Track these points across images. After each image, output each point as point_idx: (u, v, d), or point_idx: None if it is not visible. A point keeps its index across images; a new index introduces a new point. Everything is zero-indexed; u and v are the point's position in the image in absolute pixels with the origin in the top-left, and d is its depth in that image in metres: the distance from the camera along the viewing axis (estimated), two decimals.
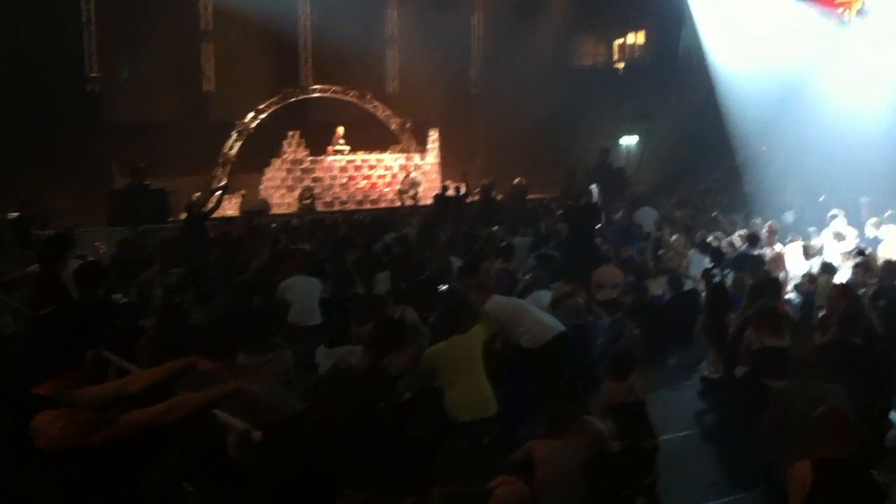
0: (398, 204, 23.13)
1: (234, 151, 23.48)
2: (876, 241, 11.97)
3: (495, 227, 14.95)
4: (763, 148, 21.26)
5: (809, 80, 19.92)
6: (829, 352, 6.36)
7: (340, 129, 24.20)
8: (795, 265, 10.93)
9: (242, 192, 22.59)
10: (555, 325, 7.51)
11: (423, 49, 24.92)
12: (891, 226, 12.70)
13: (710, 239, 12.12)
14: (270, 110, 23.92)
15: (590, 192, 15.65)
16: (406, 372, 6.71)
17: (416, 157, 24.83)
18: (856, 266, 9.66)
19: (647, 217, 15.80)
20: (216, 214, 15.13)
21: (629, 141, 27.94)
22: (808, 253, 11.04)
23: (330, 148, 24.12)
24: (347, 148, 24.29)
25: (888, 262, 9.36)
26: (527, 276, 10.48)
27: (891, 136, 16.96)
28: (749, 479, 6.19)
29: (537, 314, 7.64)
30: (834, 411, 4.48)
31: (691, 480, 6.26)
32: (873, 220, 13.02)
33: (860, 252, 10.05)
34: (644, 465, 5.65)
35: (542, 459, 4.93)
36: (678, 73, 25.87)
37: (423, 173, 24.76)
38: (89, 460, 3.09)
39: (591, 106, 27.04)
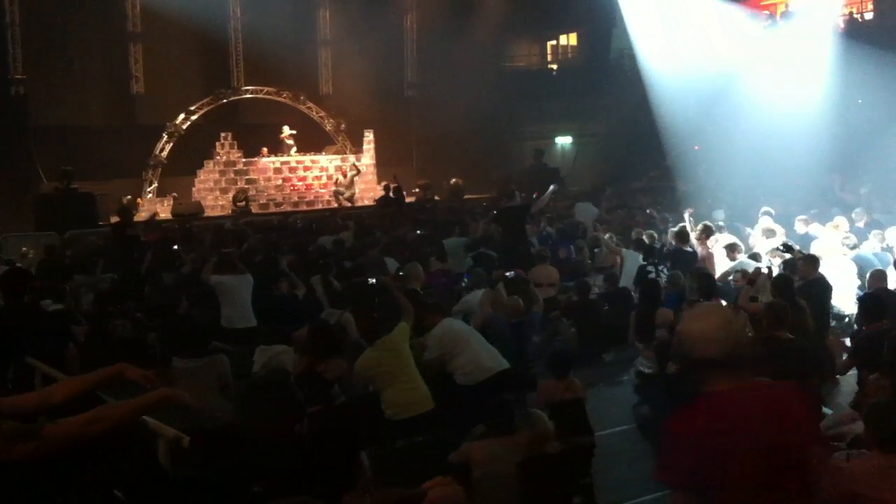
0: (334, 205, 23.03)
1: (164, 154, 23.08)
2: (807, 238, 12.22)
3: (430, 228, 14.96)
4: (696, 147, 21.72)
5: (738, 80, 20.40)
6: (761, 347, 6.46)
7: (287, 129, 24.02)
8: (724, 262, 11.12)
9: (174, 194, 22.24)
10: (494, 364, 7.19)
11: (356, 51, 24.86)
12: (817, 224, 13.02)
13: (643, 237, 12.26)
14: (202, 112, 23.58)
15: (515, 193, 15.75)
16: (341, 377, 6.65)
17: (352, 158, 24.73)
18: (784, 263, 9.87)
19: (586, 214, 16.02)
20: (144, 218, 14.84)
21: (564, 141, 28.26)
22: (735, 250, 11.24)
23: (264, 149, 23.90)
24: (293, 146, 24.18)
25: (807, 258, 9.57)
26: (466, 277, 10.51)
27: (814, 133, 17.45)
28: None
29: (477, 349, 7.27)
30: None
31: (628, 476, 6.30)
32: (802, 217, 13.33)
33: (788, 248, 10.24)
34: (581, 464, 5.67)
35: (478, 460, 4.91)
36: (611, 74, 26.25)
37: (360, 174, 24.66)
38: (13, 473, 2.98)
39: (525, 107, 27.30)
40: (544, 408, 5.94)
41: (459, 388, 7.05)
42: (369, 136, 25.54)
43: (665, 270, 10.71)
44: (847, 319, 9.96)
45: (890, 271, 9.93)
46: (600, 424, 6.78)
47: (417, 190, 23.85)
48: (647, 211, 16.24)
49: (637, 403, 7.92)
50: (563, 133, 28.13)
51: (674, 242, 12.03)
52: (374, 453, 5.33)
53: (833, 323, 9.85)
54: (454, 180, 24.39)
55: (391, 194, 20.77)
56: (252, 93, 24.58)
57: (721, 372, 2.83)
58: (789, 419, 2.81)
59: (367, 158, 25.41)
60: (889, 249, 11.63)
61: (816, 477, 2.85)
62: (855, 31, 21.05)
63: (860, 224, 13.68)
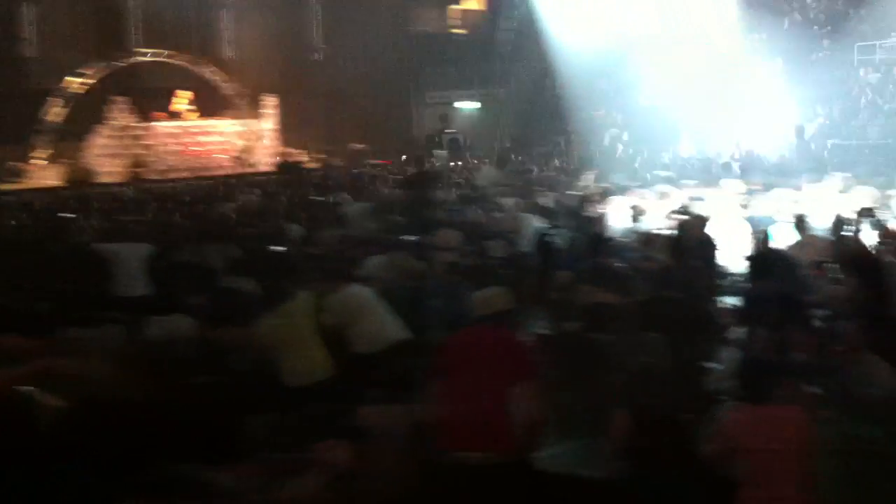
0: (234, 171, 22.57)
1: (56, 118, 22.22)
2: (701, 200, 12.54)
3: (335, 194, 14.83)
4: (599, 112, 22.00)
5: (642, 44, 20.71)
6: (650, 306, 6.65)
7: (180, 98, 23.37)
8: (624, 224, 11.37)
9: (66, 160, 21.47)
10: (395, 333, 7.11)
11: (259, 14, 24.36)
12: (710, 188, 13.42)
13: (544, 201, 12.40)
14: (96, 75, 22.76)
15: (423, 159, 15.76)
16: (240, 345, 6.57)
17: (254, 124, 24.25)
18: (678, 224, 10.12)
19: (489, 179, 16.09)
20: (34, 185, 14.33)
21: (468, 106, 28.28)
22: (636, 212, 11.48)
23: (161, 114, 23.24)
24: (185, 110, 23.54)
25: (698, 218, 9.85)
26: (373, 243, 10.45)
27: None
28: (581, 427, 6.41)
29: (379, 317, 7.18)
30: (649, 365, 4.74)
31: None
32: (696, 180, 13.71)
33: (683, 210, 10.52)
34: None
35: (373, 425, 4.92)
36: (515, 39, 26.34)
37: (260, 140, 24.21)
38: None
39: (429, 71, 27.19)
40: None
41: (360, 356, 7.03)
42: (270, 101, 25.07)
43: (565, 234, 10.85)
44: (736, 278, 10.29)
45: (778, 231, 10.27)
46: None
47: (321, 155, 23.61)
48: (549, 175, 16.42)
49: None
50: (468, 98, 28.15)
51: (574, 206, 12.20)
52: (271, 421, 5.31)
53: (722, 281, 10.18)
54: (357, 145, 24.22)
55: (287, 162, 20.51)
56: (151, 56, 23.83)
57: None
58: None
59: (268, 124, 24.96)
60: (779, 211, 12.06)
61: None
62: None
63: (754, 186, 14.15)
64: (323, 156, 23.44)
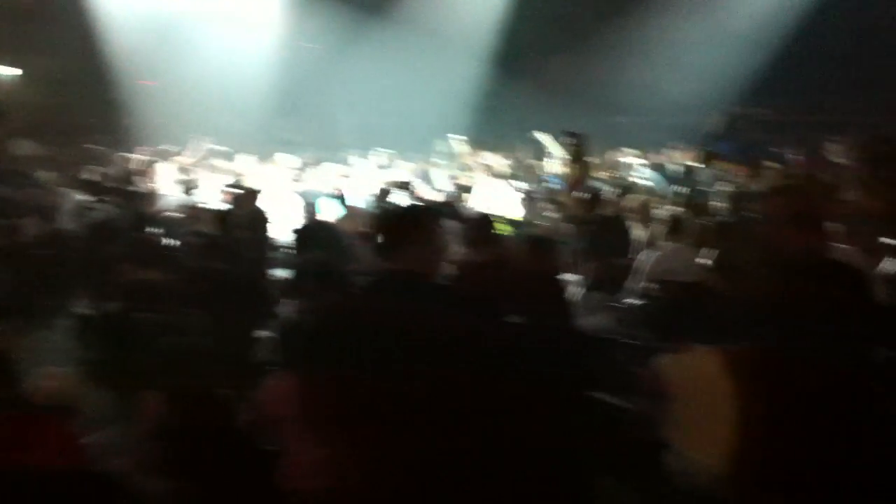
0: None
1: None
2: (250, 174, 12.58)
3: None
4: (151, 83, 21.11)
5: (193, 20, 20.21)
6: (195, 282, 6.49)
7: None
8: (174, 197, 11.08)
9: None
10: None
11: None
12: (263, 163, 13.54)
13: (87, 174, 11.61)
14: None
15: None
16: None
17: None
18: (227, 196, 10.07)
19: (24, 149, 14.73)
20: None
21: (4, 73, 25.52)
22: (188, 185, 11.25)
23: None
24: None
25: (248, 191, 9.92)
26: None
27: (262, 75, 18.07)
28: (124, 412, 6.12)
29: None
30: (176, 344, 4.60)
31: None
32: (247, 154, 13.73)
33: (237, 184, 10.47)
34: None
35: None
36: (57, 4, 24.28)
37: None
38: None
39: None
40: None
41: None
42: None
43: (110, 209, 10.25)
44: (288, 251, 10.51)
45: (327, 204, 10.64)
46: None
47: None
48: (95, 148, 15.45)
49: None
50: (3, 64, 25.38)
51: (120, 179, 11.60)
52: None
53: (274, 254, 10.34)
54: None
55: None
56: None
57: None
58: None
59: None
60: (328, 185, 12.53)
61: None
62: None
63: (313, 162, 14.57)
64: None
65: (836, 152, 6.78)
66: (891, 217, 5.43)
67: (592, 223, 7.97)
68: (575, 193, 9.52)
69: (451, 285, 3.60)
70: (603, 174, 11.86)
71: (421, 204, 9.33)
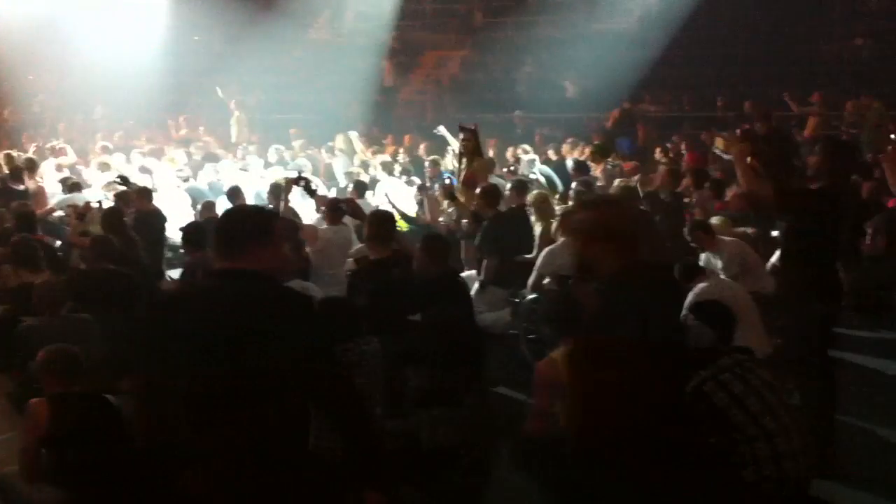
0: None
1: None
2: (143, 171, 12.18)
3: None
4: (29, 77, 20.30)
5: (76, 12, 19.50)
6: (83, 283, 6.27)
7: None
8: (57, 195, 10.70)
9: None
10: None
11: None
12: (153, 159, 13.17)
13: None
14: None
15: None
16: None
17: None
18: (117, 195, 9.74)
19: None
20: None
21: None
22: (69, 184, 10.85)
23: None
24: None
25: (141, 190, 9.67)
26: None
27: (150, 71, 17.57)
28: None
29: None
30: (60, 349, 4.44)
31: None
32: (140, 150, 13.37)
33: (124, 181, 10.14)
34: None
35: None
36: None
37: None
38: None
39: None
40: None
41: None
42: None
43: None
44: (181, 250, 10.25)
45: (221, 201, 10.42)
46: None
47: None
48: None
49: None
50: None
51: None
52: None
53: (169, 254, 10.07)
54: None
55: None
56: None
57: None
58: None
59: None
60: (221, 181, 12.26)
61: None
62: None
63: (197, 157, 14.24)
64: None
65: (721, 146, 7.02)
66: (769, 208, 5.70)
67: (491, 219, 8.00)
68: (470, 189, 9.57)
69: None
70: (499, 170, 11.93)
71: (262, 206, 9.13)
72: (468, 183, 9.77)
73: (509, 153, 13.81)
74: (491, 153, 13.00)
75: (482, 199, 8.44)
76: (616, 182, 9.93)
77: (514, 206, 8.60)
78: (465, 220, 8.73)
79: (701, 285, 5.98)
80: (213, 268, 3.12)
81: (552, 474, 3.90)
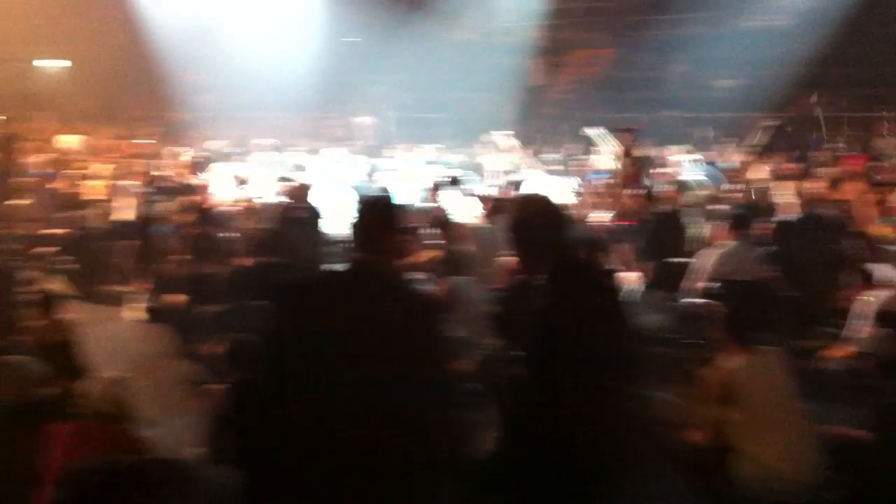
0: None
1: None
2: (308, 169, 12.60)
3: None
4: (198, 76, 21.23)
5: (235, 14, 20.36)
6: (254, 274, 6.56)
7: None
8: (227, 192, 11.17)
9: None
10: None
11: None
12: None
13: (139, 168, 11.76)
14: None
15: None
16: None
17: None
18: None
19: None
20: None
21: (55, 65, 25.76)
22: (239, 180, 11.32)
23: None
24: None
25: (301, 186, 9.98)
26: None
27: (308, 71, 18.15)
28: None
29: None
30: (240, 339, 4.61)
31: None
32: (302, 147, 13.80)
33: (288, 178, 10.51)
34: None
35: None
36: None
37: None
38: None
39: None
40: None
41: None
42: None
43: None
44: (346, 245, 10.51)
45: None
46: None
47: None
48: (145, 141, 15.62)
49: None
50: (51, 56, 25.63)
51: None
52: None
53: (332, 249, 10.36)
54: None
55: None
56: None
57: None
58: None
59: None
60: (377, 180, 12.54)
61: None
62: None
63: (351, 156, 14.61)
64: None
65: None
66: None
67: (648, 220, 7.89)
68: (628, 190, 9.44)
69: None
70: (656, 170, 11.72)
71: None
72: (625, 183, 9.67)
73: (664, 153, 13.55)
74: (646, 153, 12.80)
75: (639, 199, 8.33)
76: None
77: (671, 207, 8.45)
78: (622, 221, 8.62)
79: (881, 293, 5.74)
80: (353, 258, 3.12)
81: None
